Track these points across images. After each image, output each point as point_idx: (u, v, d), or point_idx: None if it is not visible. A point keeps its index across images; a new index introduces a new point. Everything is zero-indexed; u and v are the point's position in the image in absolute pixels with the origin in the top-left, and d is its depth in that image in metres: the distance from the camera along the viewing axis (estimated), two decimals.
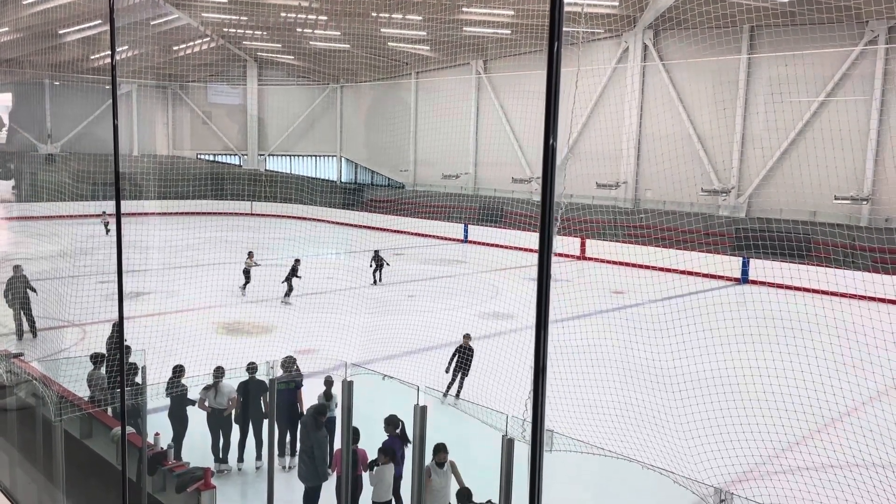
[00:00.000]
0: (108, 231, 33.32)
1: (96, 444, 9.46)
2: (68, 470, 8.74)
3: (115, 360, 10.73)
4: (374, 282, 25.93)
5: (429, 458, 8.22)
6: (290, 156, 53.47)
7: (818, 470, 10.37)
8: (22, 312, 16.47)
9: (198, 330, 17.00)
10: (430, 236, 39.46)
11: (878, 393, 14.18)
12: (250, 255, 23.30)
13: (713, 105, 31.90)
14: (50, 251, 27.82)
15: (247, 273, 22.95)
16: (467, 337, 13.94)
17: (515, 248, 33.18)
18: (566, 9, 2.11)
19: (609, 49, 35.75)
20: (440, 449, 8.28)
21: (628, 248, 31.38)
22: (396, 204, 44.33)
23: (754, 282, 28.00)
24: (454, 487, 8.40)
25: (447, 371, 13.65)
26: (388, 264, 26.99)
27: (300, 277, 22.48)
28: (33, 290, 16.78)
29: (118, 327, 11.16)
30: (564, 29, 2.11)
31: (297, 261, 22.43)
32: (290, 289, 22.29)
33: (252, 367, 10.68)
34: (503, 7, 32.15)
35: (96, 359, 10.97)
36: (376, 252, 26.79)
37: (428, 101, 45.20)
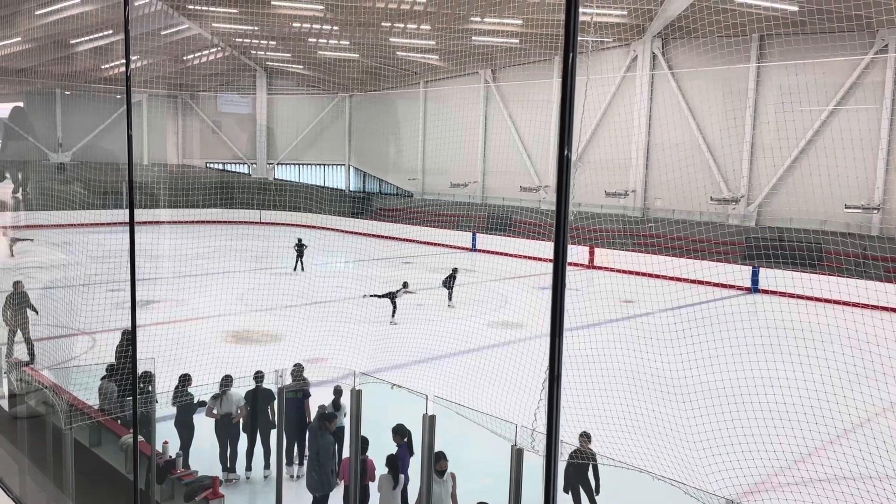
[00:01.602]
0: (12, 254, 30.01)
1: (106, 452, 9.49)
2: (78, 478, 8.75)
3: (125, 369, 10.74)
4: (295, 269, 29.33)
5: None
6: (298, 164, 53.67)
7: (831, 482, 10.27)
8: (20, 332, 15.51)
9: (206, 338, 17.04)
10: (438, 245, 39.43)
11: (891, 404, 14.05)
12: (405, 285, 21.82)
13: (723, 114, 31.84)
14: (60, 260, 27.98)
15: (392, 298, 21.35)
16: (585, 437, 9.23)
17: (524, 257, 33.13)
18: (578, 23, 2.10)
19: (618, 58, 35.76)
20: (441, 457, 8.20)
21: (637, 257, 31.29)
22: (405, 213, 44.37)
23: (765, 291, 27.85)
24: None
25: (566, 492, 9.30)
26: (306, 246, 30.13)
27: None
28: (34, 309, 15.82)
29: (130, 336, 11.19)
30: None
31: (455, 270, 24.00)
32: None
33: (259, 376, 10.70)
34: (512, 17, 32.24)
35: (111, 369, 10.97)
36: (299, 240, 30.13)
37: (437, 110, 45.32)
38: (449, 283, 23.90)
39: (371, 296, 21.85)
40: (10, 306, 15.34)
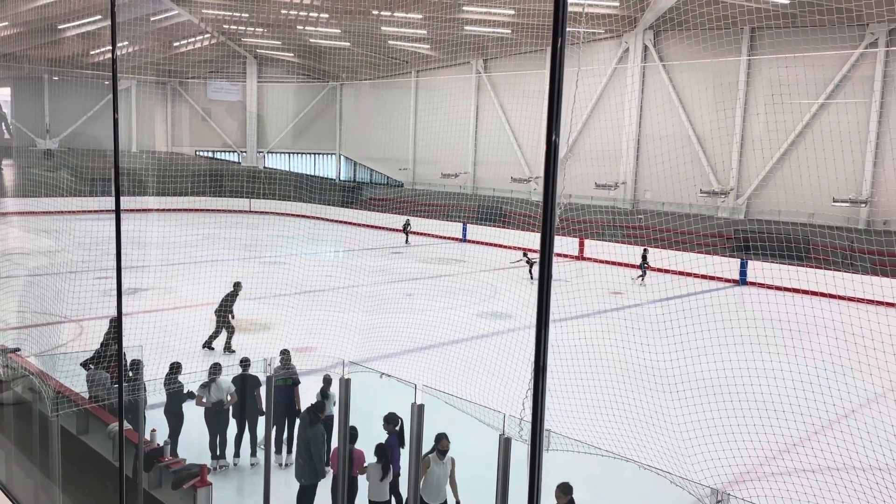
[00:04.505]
0: None
1: (93, 440, 9.45)
2: (65, 466, 8.72)
3: (111, 357, 10.68)
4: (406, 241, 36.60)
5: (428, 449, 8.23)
6: (289, 153, 53.43)
7: (816, 472, 10.37)
8: (226, 331, 16.37)
9: (195, 327, 16.97)
10: (428, 235, 39.43)
11: (876, 395, 14.19)
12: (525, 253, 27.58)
13: (713, 106, 31.90)
14: (47, 246, 27.75)
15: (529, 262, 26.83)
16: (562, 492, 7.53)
17: (514, 248, 33.14)
18: (567, 9, 2.09)
19: (609, 49, 35.73)
20: (443, 437, 8.28)
21: (627, 248, 31.36)
22: (395, 202, 44.30)
23: (752, 283, 28.01)
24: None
25: None
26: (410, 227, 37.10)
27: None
28: (230, 314, 16.54)
29: (116, 323, 11.13)
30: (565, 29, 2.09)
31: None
32: None
33: (245, 364, 10.68)
34: (503, 6, 32.12)
35: (97, 360, 10.88)
36: (407, 220, 37.42)
37: (428, 99, 45.18)
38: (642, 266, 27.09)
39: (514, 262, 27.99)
40: (224, 305, 16.19)
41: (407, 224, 37.44)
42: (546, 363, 2.57)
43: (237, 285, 16.91)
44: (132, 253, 24.01)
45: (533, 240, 32.25)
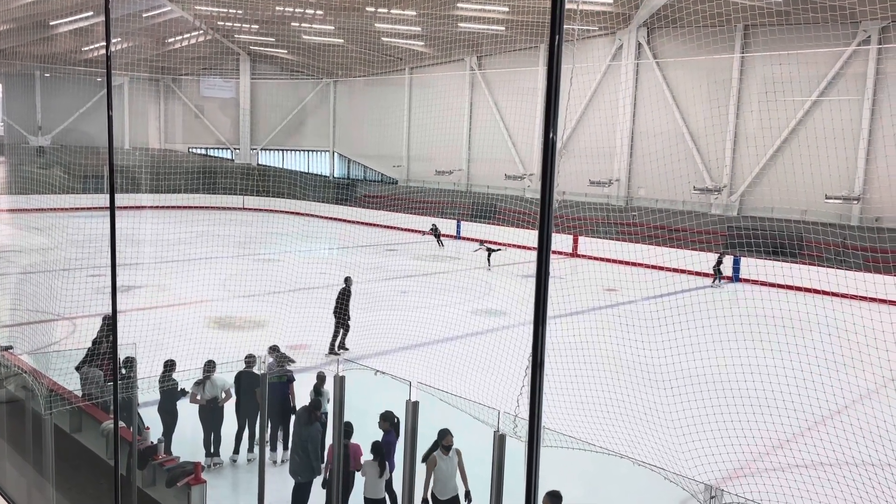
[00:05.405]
0: None
1: (86, 438, 9.42)
2: (58, 464, 8.69)
3: (103, 354, 10.64)
4: (440, 244, 35.25)
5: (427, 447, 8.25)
6: (282, 150, 53.30)
7: (808, 468, 10.42)
8: (340, 329, 16.07)
9: (189, 324, 16.94)
10: (423, 232, 39.35)
11: (868, 391, 14.26)
12: (482, 243, 29.85)
13: (706, 103, 31.96)
14: (40, 244, 27.65)
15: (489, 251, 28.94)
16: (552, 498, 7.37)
17: (508, 245, 33.17)
18: (565, 6, 2.09)
19: (603, 46, 35.74)
20: (447, 432, 8.30)
21: (621, 245, 31.41)
22: (389, 199, 44.24)
23: (745, 280, 28.09)
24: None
25: None
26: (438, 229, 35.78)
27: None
28: (346, 313, 16.12)
29: (111, 321, 11.09)
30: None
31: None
32: None
33: (250, 361, 10.66)
34: (498, 3, 32.10)
35: (90, 358, 10.84)
36: (434, 225, 35.95)
37: (422, 96, 45.12)
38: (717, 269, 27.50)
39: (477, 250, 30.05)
40: (339, 301, 15.98)
41: (435, 228, 35.93)
42: (543, 359, 2.57)
43: (348, 280, 16.45)
44: (125, 250, 23.95)
45: (527, 237, 32.28)
